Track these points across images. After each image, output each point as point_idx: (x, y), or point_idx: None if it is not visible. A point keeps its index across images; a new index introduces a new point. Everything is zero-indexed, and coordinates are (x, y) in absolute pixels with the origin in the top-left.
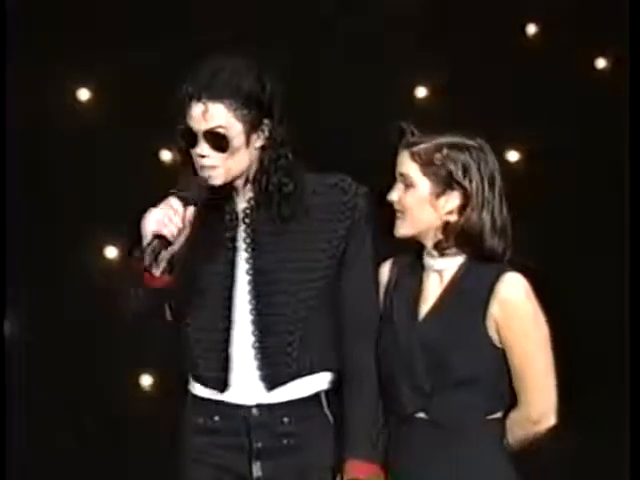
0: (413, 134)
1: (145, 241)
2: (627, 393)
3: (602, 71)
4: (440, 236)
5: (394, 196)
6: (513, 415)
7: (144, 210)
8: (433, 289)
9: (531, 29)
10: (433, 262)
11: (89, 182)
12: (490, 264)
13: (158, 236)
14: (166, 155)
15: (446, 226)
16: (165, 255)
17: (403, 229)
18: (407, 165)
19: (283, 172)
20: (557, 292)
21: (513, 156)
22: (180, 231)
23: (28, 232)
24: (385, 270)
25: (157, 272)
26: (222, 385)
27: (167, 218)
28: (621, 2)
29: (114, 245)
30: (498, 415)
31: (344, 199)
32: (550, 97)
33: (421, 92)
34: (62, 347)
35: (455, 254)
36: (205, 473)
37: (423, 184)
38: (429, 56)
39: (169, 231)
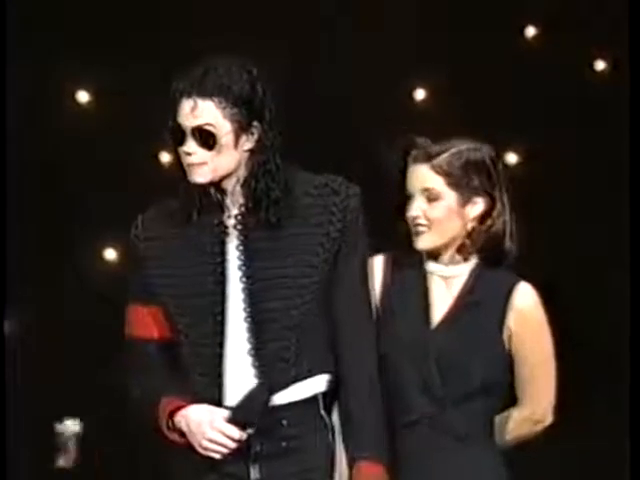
0: (425, 146)
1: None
2: (627, 394)
3: (601, 72)
4: (466, 242)
5: (417, 211)
6: (514, 415)
7: (143, 210)
8: (441, 295)
9: (530, 31)
10: (441, 268)
11: (89, 183)
12: (500, 271)
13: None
14: (165, 157)
15: (471, 233)
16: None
17: (428, 242)
18: (430, 179)
19: (270, 177)
20: (557, 293)
21: (512, 157)
22: None
23: (28, 232)
24: (378, 265)
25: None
26: (217, 397)
27: (221, 448)
28: (620, 3)
29: (113, 246)
30: (493, 419)
31: (335, 200)
32: (549, 98)
33: (420, 94)
34: (62, 347)
35: (465, 260)
36: (203, 477)
37: (449, 196)
38: (428, 57)
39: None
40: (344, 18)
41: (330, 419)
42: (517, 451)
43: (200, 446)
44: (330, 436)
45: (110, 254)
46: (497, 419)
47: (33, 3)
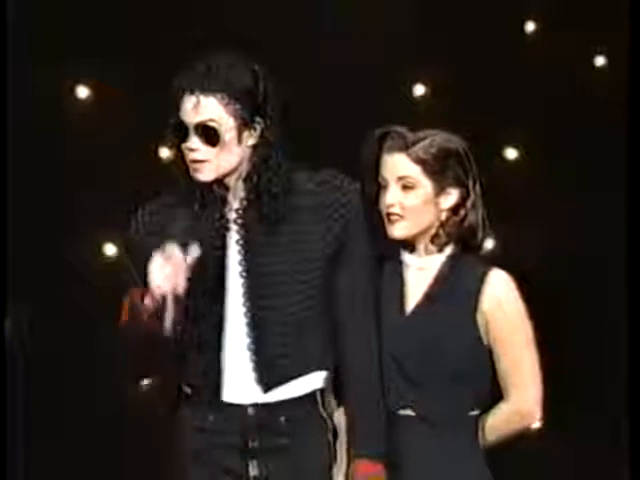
0: (401, 135)
1: (150, 293)
2: (626, 394)
3: (601, 68)
4: (440, 232)
5: (392, 200)
6: (500, 411)
7: (142, 205)
8: (416, 285)
9: (530, 26)
10: (416, 260)
11: (88, 178)
12: (473, 260)
13: (169, 295)
14: (164, 152)
15: (445, 223)
16: (177, 311)
17: (403, 231)
18: (407, 167)
19: (273, 172)
20: (557, 292)
21: (512, 153)
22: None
23: (28, 231)
24: None
25: (168, 328)
26: (215, 392)
27: (173, 274)
28: (620, 0)
29: (113, 243)
30: (476, 412)
31: (337, 196)
32: (549, 94)
33: (420, 90)
34: (62, 346)
35: (440, 251)
36: (201, 473)
37: (425, 184)
38: (428, 53)
39: (180, 288)
40: (344, 14)
41: (329, 415)
42: (515, 452)
43: (161, 280)
44: (329, 433)
45: (110, 249)
46: (485, 416)
47: (33, 3)
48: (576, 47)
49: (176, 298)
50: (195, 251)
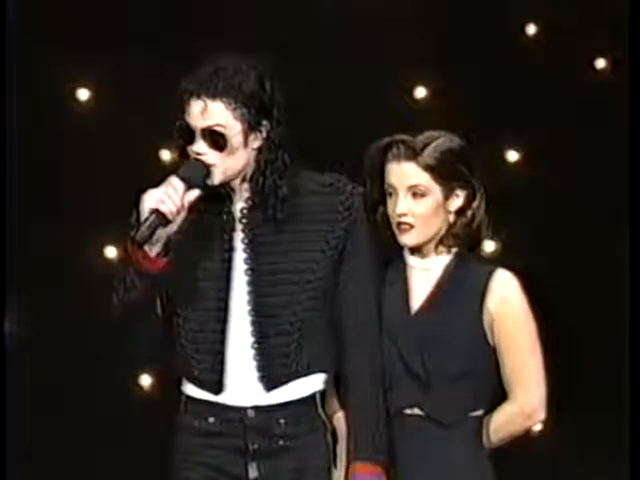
0: (408, 143)
1: (142, 218)
2: (627, 393)
3: (602, 71)
4: (448, 235)
5: (403, 209)
6: (504, 411)
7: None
8: (421, 286)
9: (531, 29)
10: (420, 261)
11: (89, 182)
12: (478, 260)
13: (156, 211)
14: (166, 155)
15: (453, 225)
16: (162, 235)
17: (414, 239)
18: (417, 176)
19: (279, 174)
20: (557, 292)
21: (513, 156)
22: (179, 211)
23: (28, 232)
24: None
25: (152, 252)
26: (217, 387)
27: (167, 196)
28: (621, 2)
29: (114, 245)
30: (479, 413)
31: (341, 199)
32: (550, 96)
33: (420, 92)
34: (62, 346)
35: (447, 252)
36: (201, 475)
37: (435, 191)
38: (429, 56)
39: (168, 208)
40: (344, 17)
41: (328, 417)
42: (518, 452)
43: (152, 202)
44: (328, 434)
45: (111, 252)
46: (489, 417)
47: (33, 3)
48: (577, 49)
49: (162, 216)
50: (195, 191)
